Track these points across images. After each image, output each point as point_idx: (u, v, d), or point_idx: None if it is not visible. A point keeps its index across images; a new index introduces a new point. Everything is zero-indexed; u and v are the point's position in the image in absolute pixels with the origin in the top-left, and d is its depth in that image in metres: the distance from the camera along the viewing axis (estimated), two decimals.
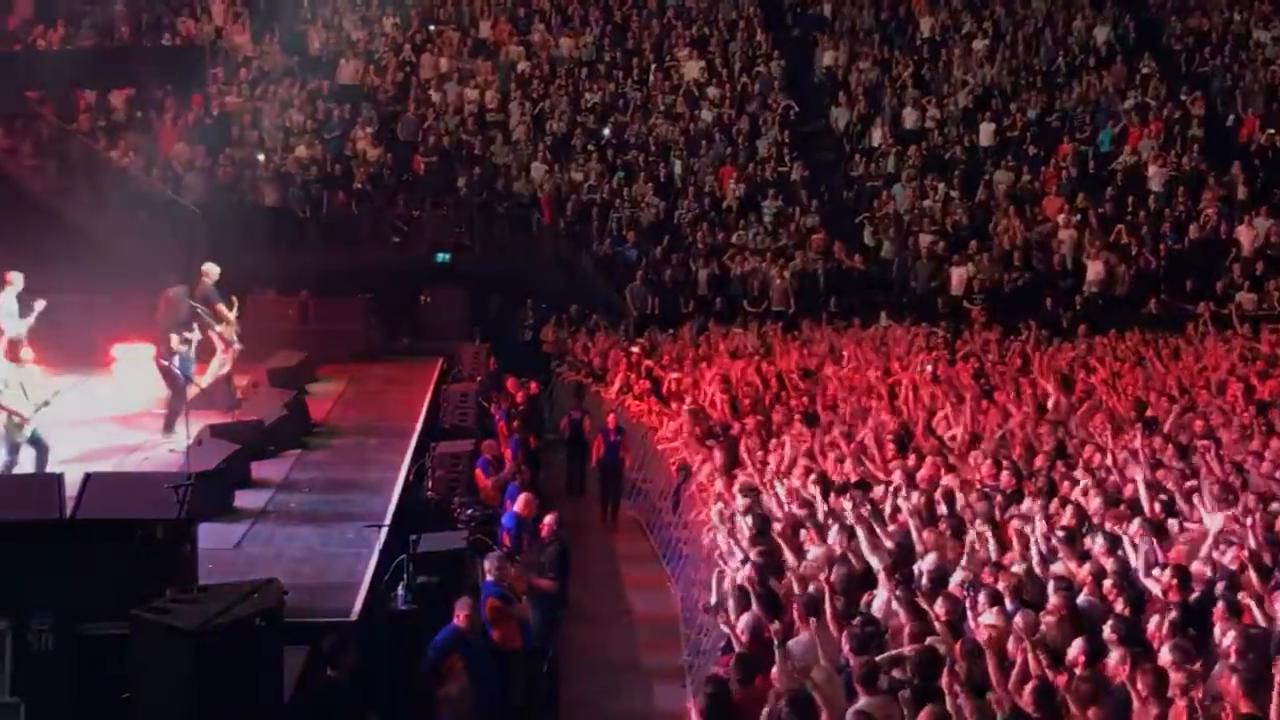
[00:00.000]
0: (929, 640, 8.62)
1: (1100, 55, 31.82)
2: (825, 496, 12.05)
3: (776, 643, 8.65)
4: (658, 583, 15.40)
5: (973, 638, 8.58)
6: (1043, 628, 8.79)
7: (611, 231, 27.42)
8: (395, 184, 27.35)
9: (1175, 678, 7.59)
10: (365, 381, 19.61)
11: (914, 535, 10.75)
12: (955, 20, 32.91)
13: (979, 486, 12.36)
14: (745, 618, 9.41)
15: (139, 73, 25.68)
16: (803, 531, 11.30)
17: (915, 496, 11.79)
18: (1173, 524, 11.12)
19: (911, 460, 13.56)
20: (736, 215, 27.97)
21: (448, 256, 25.64)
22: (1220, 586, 9.21)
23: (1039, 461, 13.42)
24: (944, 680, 7.67)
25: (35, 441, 12.80)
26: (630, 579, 16.04)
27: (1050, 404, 16.48)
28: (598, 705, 12.40)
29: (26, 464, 12.76)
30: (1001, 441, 14.31)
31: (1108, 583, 9.43)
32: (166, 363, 15.30)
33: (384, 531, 12.03)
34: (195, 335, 15.59)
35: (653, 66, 31.23)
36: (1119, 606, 9.09)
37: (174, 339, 15.40)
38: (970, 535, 10.65)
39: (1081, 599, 9.36)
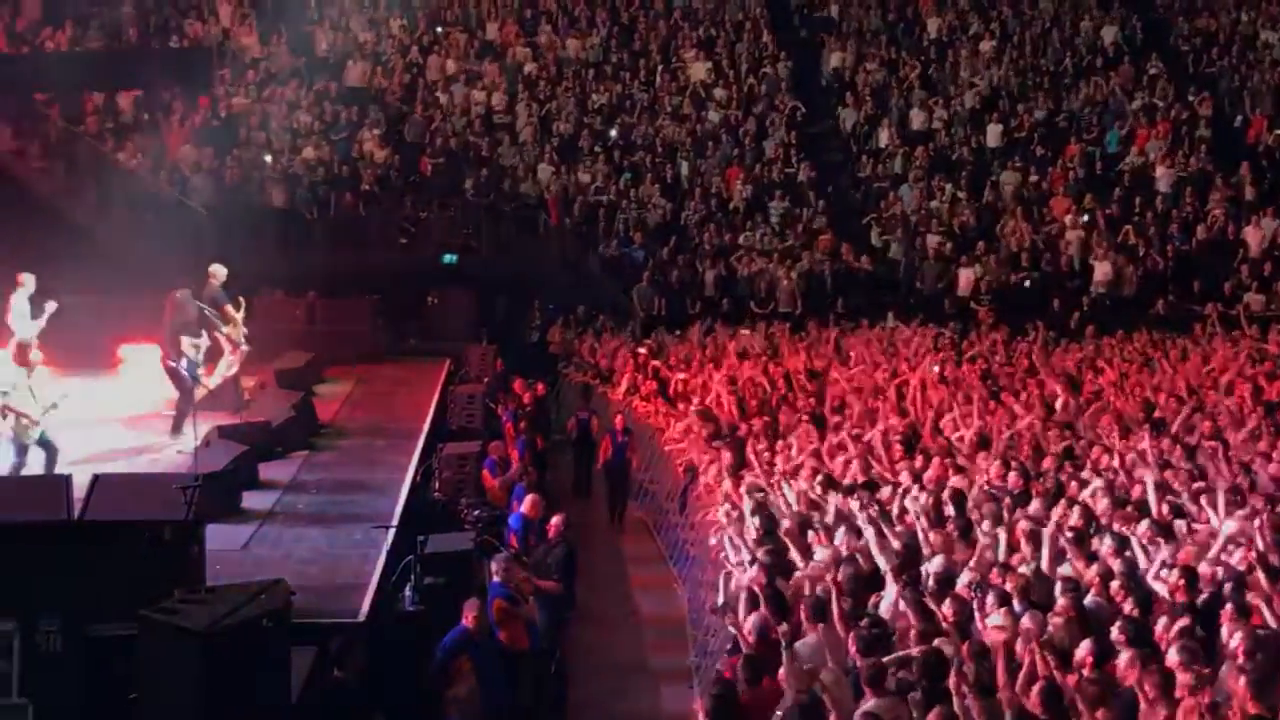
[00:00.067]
0: (936, 641, 8.61)
1: (1107, 56, 31.80)
2: (832, 497, 12.04)
3: (784, 644, 8.64)
4: (665, 584, 15.41)
5: (980, 639, 8.58)
6: (1050, 629, 8.77)
7: (618, 232, 27.43)
8: (402, 185, 27.39)
9: (1183, 679, 7.58)
10: (372, 383, 19.63)
11: (921, 536, 10.74)
12: (962, 21, 32.90)
13: (986, 488, 12.34)
14: (752, 619, 9.39)
15: (146, 74, 25.69)
16: (810, 532, 11.29)
17: (923, 497, 11.78)
18: (1180, 525, 11.10)
19: (919, 461, 13.54)
20: (743, 216, 27.97)
21: (455, 258, 25.66)
22: (1228, 588, 9.20)
23: (1047, 463, 13.41)
24: (951, 681, 7.66)
25: (44, 443, 12.82)
26: (637, 580, 16.03)
27: (1058, 405, 16.47)
28: (605, 706, 12.39)
29: (35, 465, 12.78)
30: (1010, 442, 14.30)
31: (1115, 584, 9.42)
32: (174, 364, 15.31)
33: (391, 533, 12.03)
34: (204, 341, 15.60)
35: (659, 68, 31.24)
36: (1127, 608, 9.08)
37: (185, 341, 15.40)
38: (979, 536, 10.65)
39: (1089, 600, 9.36)
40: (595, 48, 31.73)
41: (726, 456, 14.40)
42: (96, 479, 11.07)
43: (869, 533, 10.63)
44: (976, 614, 9.09)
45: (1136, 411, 15.91)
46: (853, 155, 30.14)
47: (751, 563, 10.47)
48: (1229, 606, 8.79)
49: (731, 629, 9.63)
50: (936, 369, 18.53)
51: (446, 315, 24.74)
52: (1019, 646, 8.37)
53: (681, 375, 19.54)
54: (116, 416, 16.13)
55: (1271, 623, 8.79)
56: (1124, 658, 8.07)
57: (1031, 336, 22.19)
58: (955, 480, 12.61)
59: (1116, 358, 20.24)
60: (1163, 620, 8.76)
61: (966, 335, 22.91)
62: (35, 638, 9.01)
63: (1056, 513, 11.13)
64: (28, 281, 15.38)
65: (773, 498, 12.39)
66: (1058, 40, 32.36)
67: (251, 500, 13.18)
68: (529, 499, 13.48)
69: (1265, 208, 27.50)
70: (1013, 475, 12.65)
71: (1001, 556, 10.28)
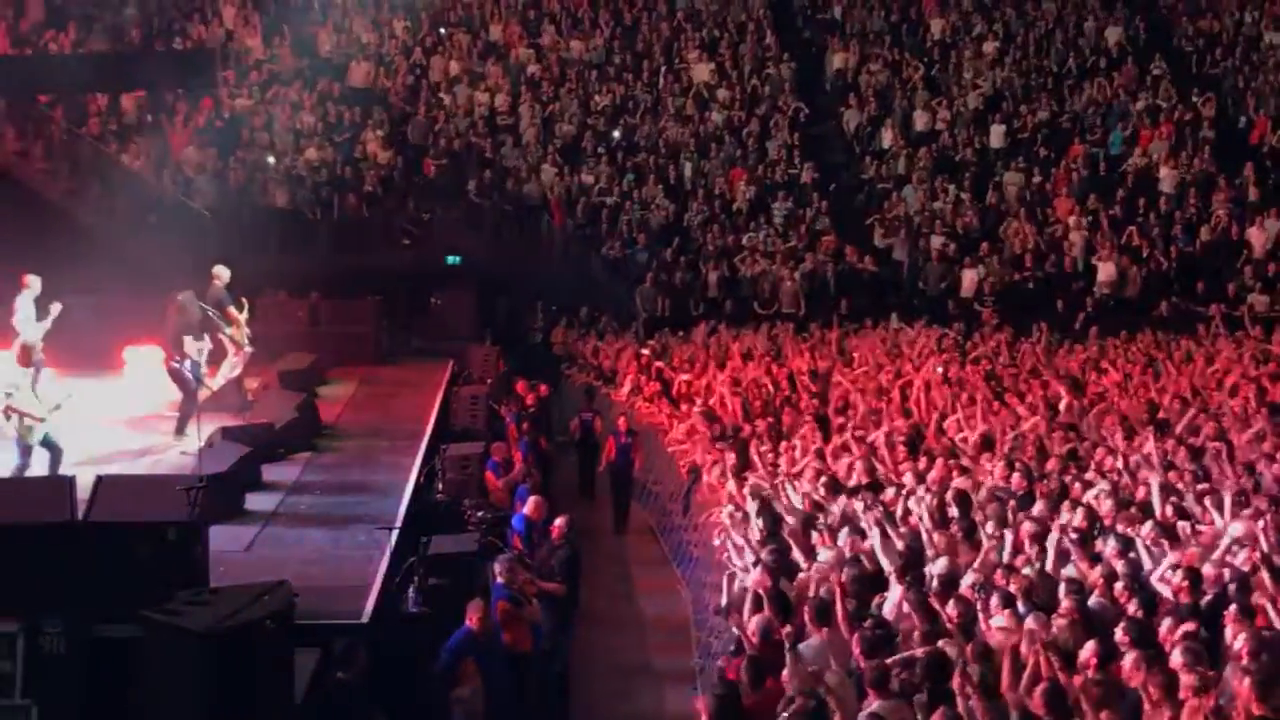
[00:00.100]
0: (940, 643, 8.60)
1: (1111, 57, 31.75)
2: (836, 498, 12.04)
3: (787, 645, 8.64)
4: (668, 585, 15.41)
5: (984, 640, 8.57)
6: (1055, 630, 8.77)
7: (622, 234, 27.41)
8: (406, 186, 27.39)
9: (1187, 680, 7.57)
10: (376, 384, 19.61)
11: (925, 538, 10.74)
12: (966, 22, 32.86)
13: (990, 489, 12.34)
14: (756, 620, 9.39)
15: (150, 76, 25.65)
16: (814, 534, 11.29)
17: (928, 499, 11.78)
18: (1184, 526, 11.09)
19: (923, 463, 13.54)
20: (747, 217, 27.94)
21: (458, 259, 25.66)
22: (1232, 589, 9.19)
23: (1051, 464, 13.40)
24: (955, 683, 7.66)
25: (48, 444, 12.82)
26: (641, 582, 16.04)
27: (1062, 406, 16.45)
28: (608, 708, 12.40)
29: (39, 467, 12.79)
30: (1014, 444, 14.29)
31: (1119, 585, 9.42)
32: (177, 365, 15.32)
33: (394, 534, 12.01)
34: (207, 344, 15.60)
35: (663, 69, 31.21)
36: (1131, 609, 9.07)
37: (188, 343, 15.39)
38: (983, 537, 10.64)
39: (1093, 601, 9.35)
40: (598, 49, 31.71)
41: (730, 458, 14.42)
42: (100, 480, 11.04)
43: (873, 534, 10.63)
44: (980, 615, 9.09)
45: (1140, 413, 15.91)
46: (856, 156, 30.10)
47: (755, 564, 10.47)
48: (1233, 608, 8.80)
49: (735, 630, 9.64)
50: (940, 370, 18.52)
51: (450, 316, 24.69)
52: (1023, 648, 8.37)
53: (685, 376, 19.54)
54: (120, 418, 16.12)
55: (1276, 624, 8.79)
56: (1128, 659, 8.07)
57: (1035, 338, 22.18)
58: (959, 481, 12.62)
59: (1120, 359, 20.22)
60: (1167, 622, 8.76)
61: (970, 336, 22.88)
62: (39, 639, 9.02)
63: (1061, 514, 11.13)
64: (33, 283, 15.34)
65: (777, 499, 12.39)
66: (1061, 41, 32.31)
67: (255, 501, 13.17)
68: (532, 500, 13.48)
69: (1269, 209, 27.40)
70: (1017, 476, 12.65)
71: (1006, 558, 10.28)
